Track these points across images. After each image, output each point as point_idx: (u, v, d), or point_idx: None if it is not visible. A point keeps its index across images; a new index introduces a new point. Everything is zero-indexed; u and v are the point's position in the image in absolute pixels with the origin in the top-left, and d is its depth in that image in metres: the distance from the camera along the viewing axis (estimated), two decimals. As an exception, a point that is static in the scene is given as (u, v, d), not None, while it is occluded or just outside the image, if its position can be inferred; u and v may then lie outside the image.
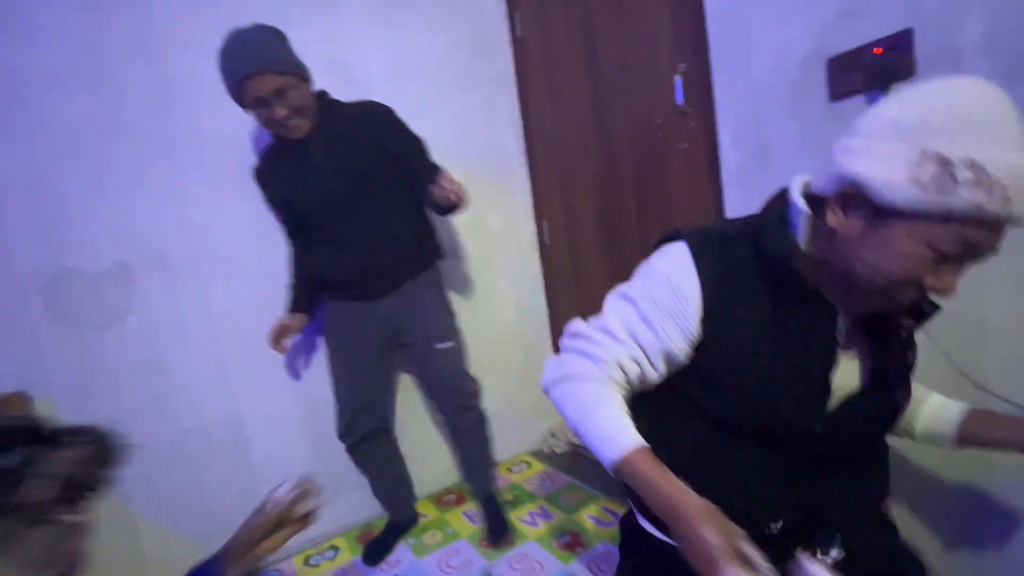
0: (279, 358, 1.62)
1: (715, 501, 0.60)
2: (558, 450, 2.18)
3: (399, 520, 1.70)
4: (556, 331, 2.24)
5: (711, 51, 1.31)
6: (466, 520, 1.75)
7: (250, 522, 0.71)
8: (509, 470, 2.06)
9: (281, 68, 1.23)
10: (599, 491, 1.82)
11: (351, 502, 1.74)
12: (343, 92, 1.50)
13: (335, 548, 1.69)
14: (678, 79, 1.45)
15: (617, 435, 0.67)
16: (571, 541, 1.57)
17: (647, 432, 0.69)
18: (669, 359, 0.74)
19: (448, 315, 1.61)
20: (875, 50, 1.00)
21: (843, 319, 0.69)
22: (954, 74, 0.59)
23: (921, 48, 0.95)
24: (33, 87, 1.32)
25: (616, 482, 0.69)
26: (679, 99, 1.47)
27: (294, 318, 1.50)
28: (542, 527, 1.66)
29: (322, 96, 1.38)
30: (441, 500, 1.89)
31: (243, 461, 1.61)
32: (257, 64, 1.21)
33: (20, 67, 1.30)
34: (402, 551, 1.63)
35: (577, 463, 2.06)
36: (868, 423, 0.74)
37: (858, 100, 1.05)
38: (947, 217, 0.53)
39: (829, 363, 0.69)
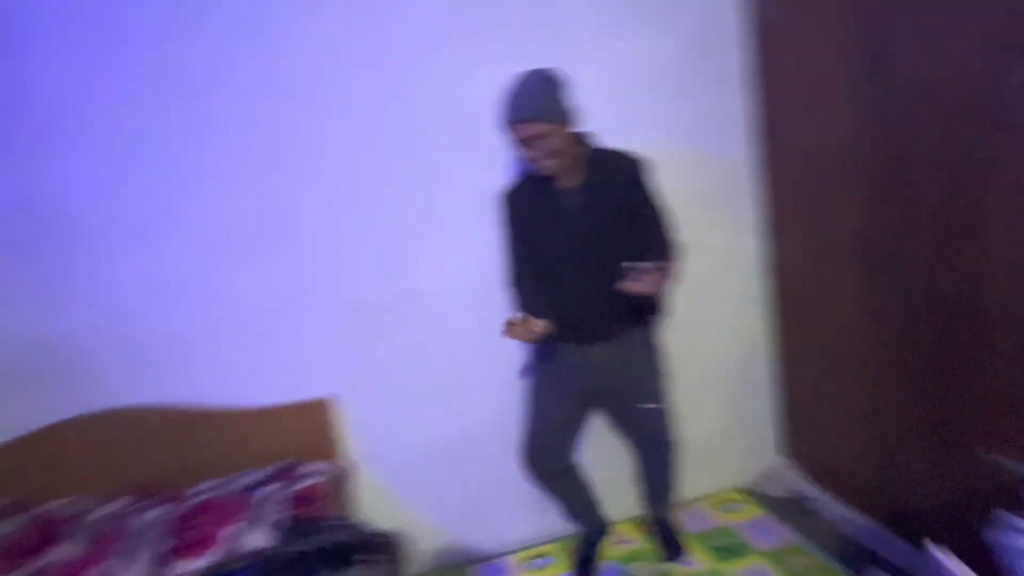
0: (507, 376, 1.75)
1: None
2: (772, 493, 1.97)
3: (590, 532, 1.75)
4: (784, 363, 1.98)
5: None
6: (675, 557, 1.72)
7: None
8: (720, 506, 1.94)
9: (541, 117, 1.30)
10: (832, 557, 1.60)
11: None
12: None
13: (546, 556, 1.83)
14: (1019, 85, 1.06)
15: None
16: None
17: None
18: None
19: (658, 376, 1.58)
20: None
21: None
22: None
23: None
24: (328, 154, 1.59)
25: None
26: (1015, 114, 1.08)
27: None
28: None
29: (583, 140, 1.42)
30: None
31: (469, 463, 1.82)
32: (522, 113, 1.31)
33: (320, 140, 1.58)
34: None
35: (794, 513, 1.84)
36: None
37: None
38: None
39: None
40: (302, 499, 1.40)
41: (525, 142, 1.33)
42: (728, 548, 1.73)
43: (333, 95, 1.57)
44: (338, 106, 1.57)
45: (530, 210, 1.47)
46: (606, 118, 1.58)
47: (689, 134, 1.81)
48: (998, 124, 1.13)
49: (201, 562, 1.24)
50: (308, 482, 1.46)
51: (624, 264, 1.26)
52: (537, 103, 1.30)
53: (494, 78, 1.37)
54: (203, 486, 1.48)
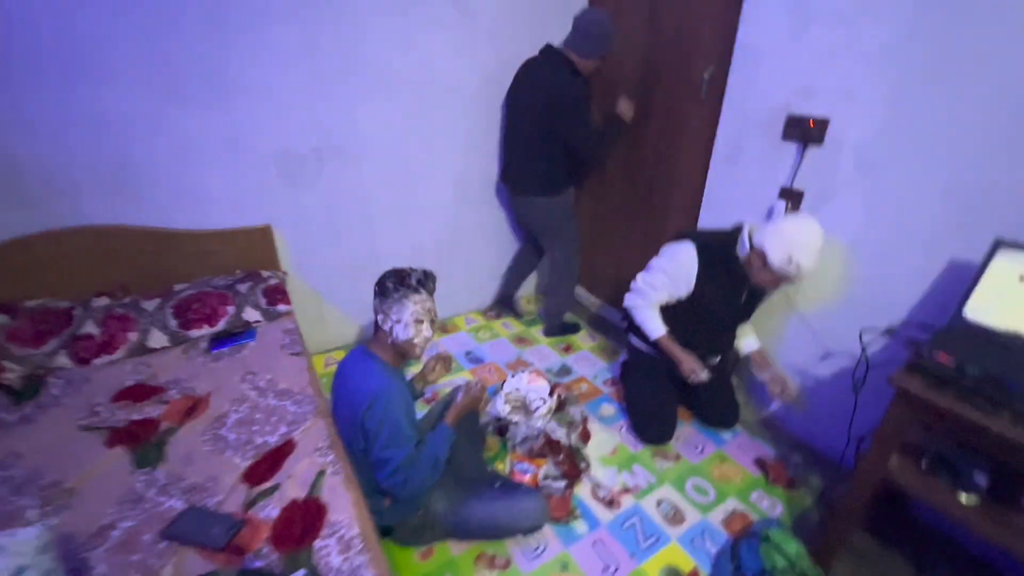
0: (402, 207, 2.49)
1: (692, 349, 1.89)
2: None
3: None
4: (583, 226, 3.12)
5: (731, 71, 1.97)
6: (504, 327, 2.89)
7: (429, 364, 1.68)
8: (528, 302, 3.16)
9: None
10: (584, 323, 2.96)
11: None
12: (460, 20, 2.23)
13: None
14: (705, 78, 2.10)
15: (657, 327, 1.87)
16: (566, 347, 2.73)
17: (667, 323, 1.89)
18: (679, 298, 1.84)
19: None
20: (811, 122, 1.75)
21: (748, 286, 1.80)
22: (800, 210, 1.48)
23: (831, 132, 1.71)
24: (266, 18, 1.87)
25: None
26: (703, 93, 2.14)
27: None
28: (547, 339, 2.81)
29: None
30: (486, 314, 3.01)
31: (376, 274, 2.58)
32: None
33: (256, 2, 1.84)
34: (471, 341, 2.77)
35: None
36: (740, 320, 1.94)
37: (793, 145, 1.83)
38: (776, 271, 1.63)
39: (740, 301, 1.85)
40: (270, 291, 2.01)
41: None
42: (531, 321, 2.97)
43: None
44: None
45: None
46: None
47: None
48: (696, 94, 2.18)
49: (218, 327, 1.84)
50: (272, 282, 2.06)
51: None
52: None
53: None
54: (178, 287, 1.95)
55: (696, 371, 1.78)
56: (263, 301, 1.96)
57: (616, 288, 2.95)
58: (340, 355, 2.58)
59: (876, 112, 1.58)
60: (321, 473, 1.28)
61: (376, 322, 1.44)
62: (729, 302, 1.83)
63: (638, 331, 1.98)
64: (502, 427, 1.80)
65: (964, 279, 1.38)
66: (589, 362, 2.62)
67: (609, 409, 2.27)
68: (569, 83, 2.13)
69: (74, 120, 1.70)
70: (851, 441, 1.74)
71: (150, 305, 1.84)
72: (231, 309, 1.89)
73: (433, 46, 2.25)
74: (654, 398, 2.05)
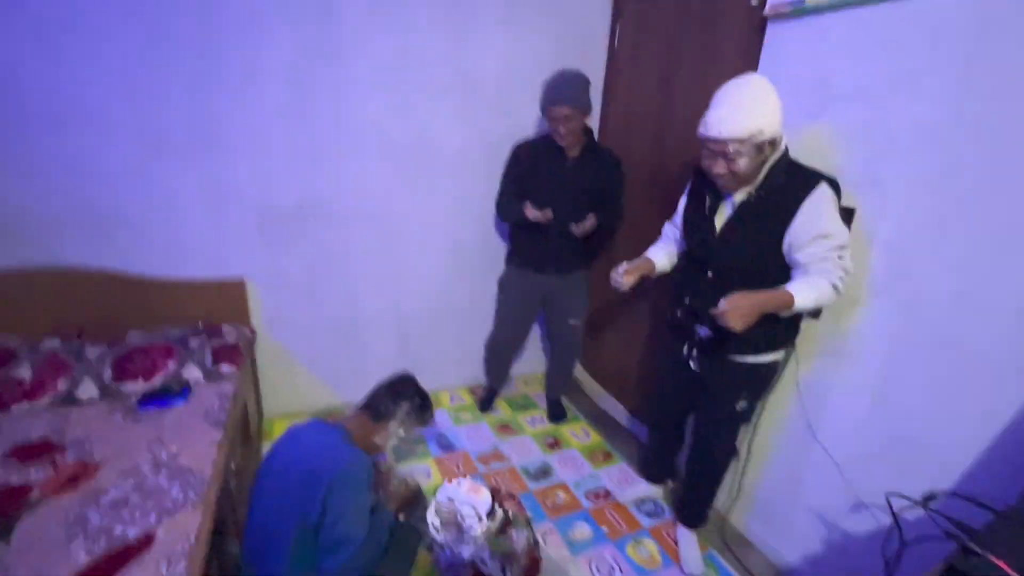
0: (389, 271, 2.36)
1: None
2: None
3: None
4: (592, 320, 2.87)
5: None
6: (491, 411, 2.60)
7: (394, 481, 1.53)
8: (525, 383, 2.86)
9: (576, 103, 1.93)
10: (582, 415, 2.62)
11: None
12: (462, 89, 2.15)
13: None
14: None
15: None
16: (553, 443, 2.39)
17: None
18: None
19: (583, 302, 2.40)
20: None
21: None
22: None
23: (857, 221, 1.41)
24: (256, 77, 1.89)
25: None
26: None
27: None
28: (537, 428, 2.48)
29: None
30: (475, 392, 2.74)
31: (355, 338, 2.43)
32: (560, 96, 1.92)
33: (252, 63, 1.86)
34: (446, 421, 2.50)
35: (572, 392, 2.84)
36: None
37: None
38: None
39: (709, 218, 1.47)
40: (221, 350, 1.89)
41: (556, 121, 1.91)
42: (523, 404, 2.66)
43: (272, 33, 1.86)
44: (275, 39, 1.87)
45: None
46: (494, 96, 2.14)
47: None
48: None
49: (152, 384, 1.71)
50: (228, 339, 1.94)
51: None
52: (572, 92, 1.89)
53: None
54: (132, 335, 1.87)
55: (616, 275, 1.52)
56: (208, 360, 1.83)
57: (620, 380, 2.61)
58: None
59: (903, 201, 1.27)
60: (157, 590, 1.04)
61: (379, 410, 1.42)
62: (699, 218, 1.49)
63: None
64: (431, 544, 1.50)
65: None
66: (575, 465, 2.25)
67: (584, 531, 1.88)
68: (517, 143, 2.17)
69: (59, 163, 1.74)
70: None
71: (93, 352, 1.76)
72: (172, 364, 1.77)
73: (434, 111, 2.20)
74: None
